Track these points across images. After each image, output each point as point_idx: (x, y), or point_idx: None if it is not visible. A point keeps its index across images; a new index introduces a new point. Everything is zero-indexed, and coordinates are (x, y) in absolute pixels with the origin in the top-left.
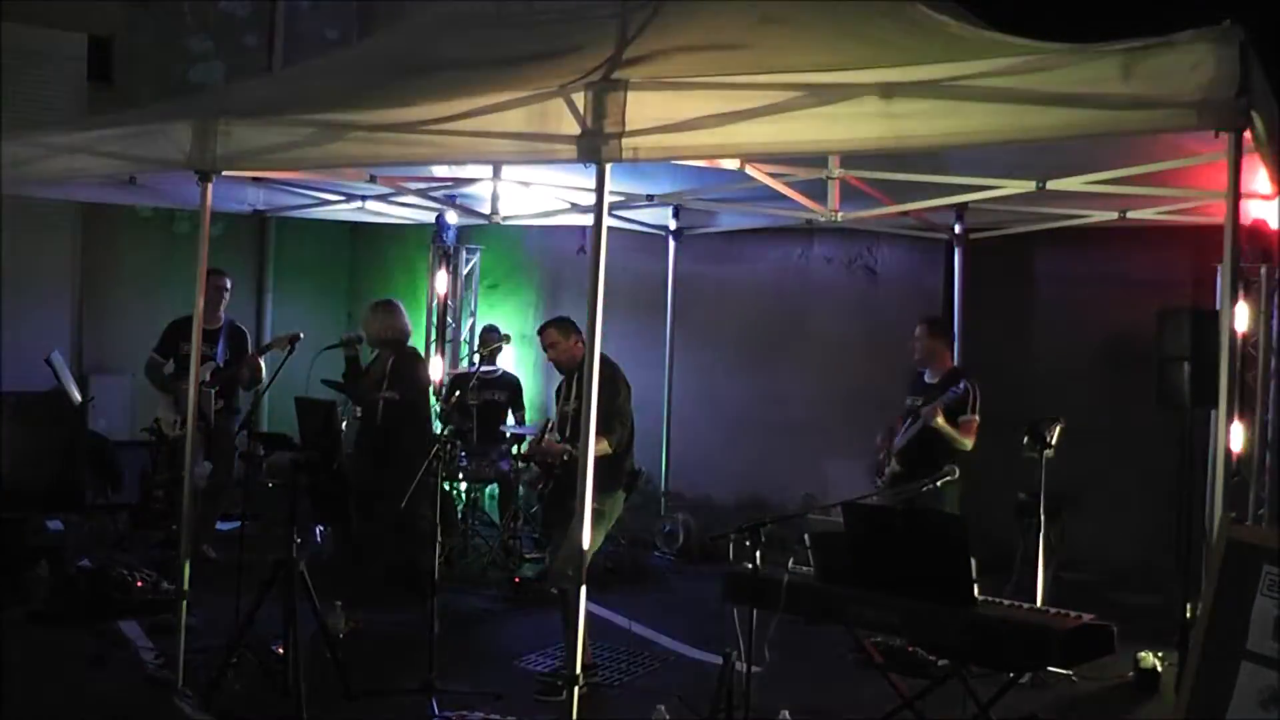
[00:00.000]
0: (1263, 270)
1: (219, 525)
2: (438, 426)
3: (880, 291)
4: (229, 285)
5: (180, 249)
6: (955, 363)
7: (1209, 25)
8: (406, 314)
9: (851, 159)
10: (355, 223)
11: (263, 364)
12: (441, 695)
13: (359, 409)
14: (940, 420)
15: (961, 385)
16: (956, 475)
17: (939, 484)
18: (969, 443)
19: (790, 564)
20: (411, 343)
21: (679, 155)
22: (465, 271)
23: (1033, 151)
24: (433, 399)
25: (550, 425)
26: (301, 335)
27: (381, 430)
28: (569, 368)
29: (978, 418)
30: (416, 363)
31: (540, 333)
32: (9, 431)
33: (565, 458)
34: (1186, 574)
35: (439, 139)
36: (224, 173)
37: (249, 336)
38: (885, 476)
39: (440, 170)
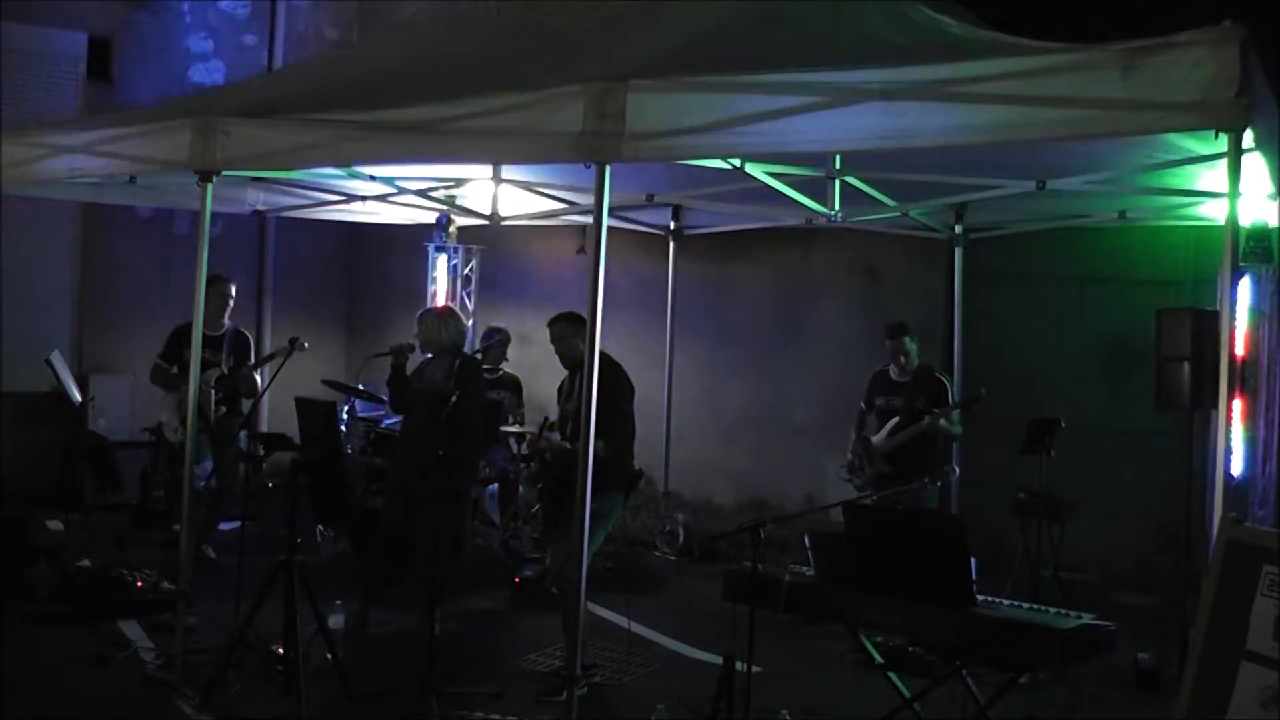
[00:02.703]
0: (1263, 270)
1: (220, 525)
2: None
3: (880, 291)
4: (234, 293)
5: (180, 249)
6: (919, 360)
7: (1209, 25)
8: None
9: (851, 159)
10: (355, 223)
11: (258, 376)
12: (441, 695)
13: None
14: (943, 422)
15: (947, 385)
16: (957, 474)
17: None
18: (959, 433)
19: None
20: None
21: (679, 155)
22: (465, 271)
23: (1033, 151)
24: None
25: (548, 423)
26: (305, 343)
27: (445, 437)
28: (574, 364)
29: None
30: (477, 368)
31: (551, 324)
32: (9, 431)
33: (548, 456)
34: (1186, 574)
35: (439, 139)
36: (224, 173)
37: (252, 342)
38: (867, 475)
39: (440, 170)
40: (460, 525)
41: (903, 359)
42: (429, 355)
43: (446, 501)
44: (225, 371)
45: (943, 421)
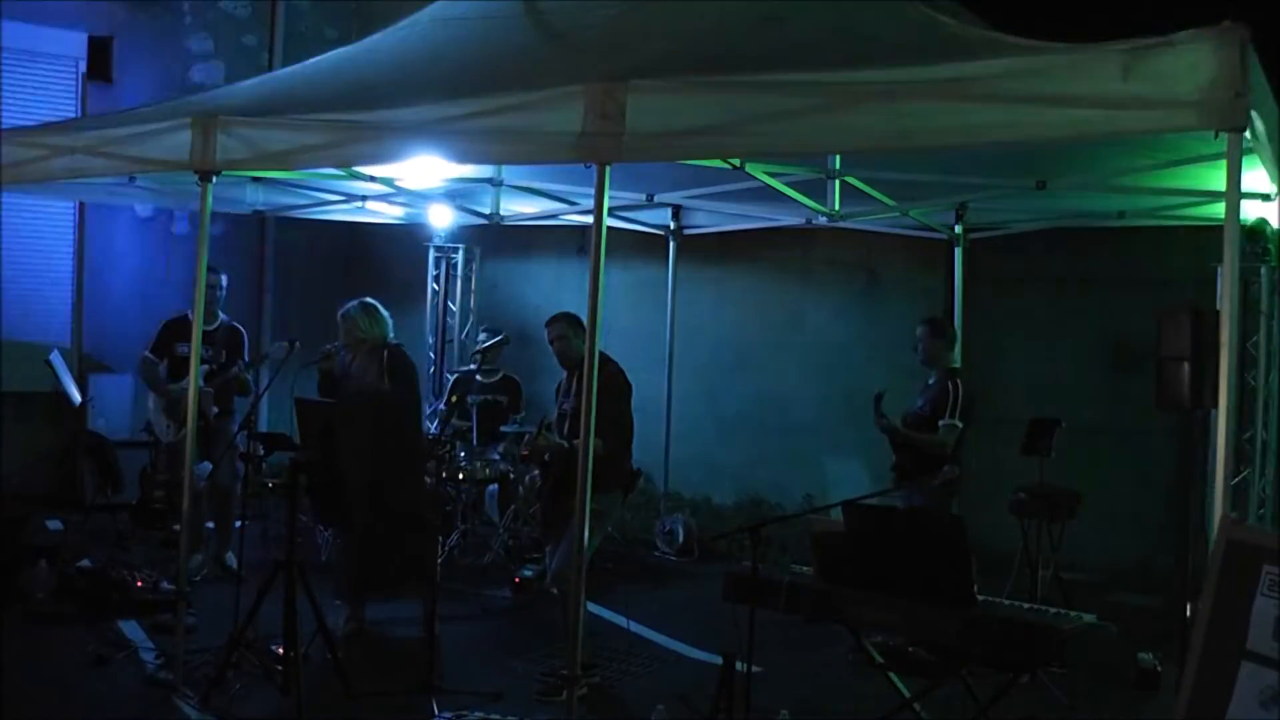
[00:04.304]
0: (1263, 270)
1: (207, 524)
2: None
3: (880, 291)
4: (224, 284)
5: (180, 249)
6: (955, 364)
7: (1209, 25)
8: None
9: (852, 159)
10: (355, 223)
11: (249, 377)
12: (441, 695)
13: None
14: (890, 424)
15: (949, 392)
16: (957, 475)
17: (938, 485)
18: (944, 445)
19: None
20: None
21: (679, 155)
22: (465, 272)
23: (1033, 151)
24: (431, 398)
25: (546, 423)
26: (298, 342)
27: (383, 429)
28: (572, 363)
29: (958, 422)
30: (408, 358)
31: (550, 324)
32: (9, 431)
33: (547, 457)
34: (1186, 574)
35: (439, 139)
36: (224, 173)
37: (246, 337)
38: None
39: (440, 170)
40: (426, 516)
41: (928, 355)
42: (353, 353)
43: (409, 497)
44: (214, 369)
45: (886, 423)
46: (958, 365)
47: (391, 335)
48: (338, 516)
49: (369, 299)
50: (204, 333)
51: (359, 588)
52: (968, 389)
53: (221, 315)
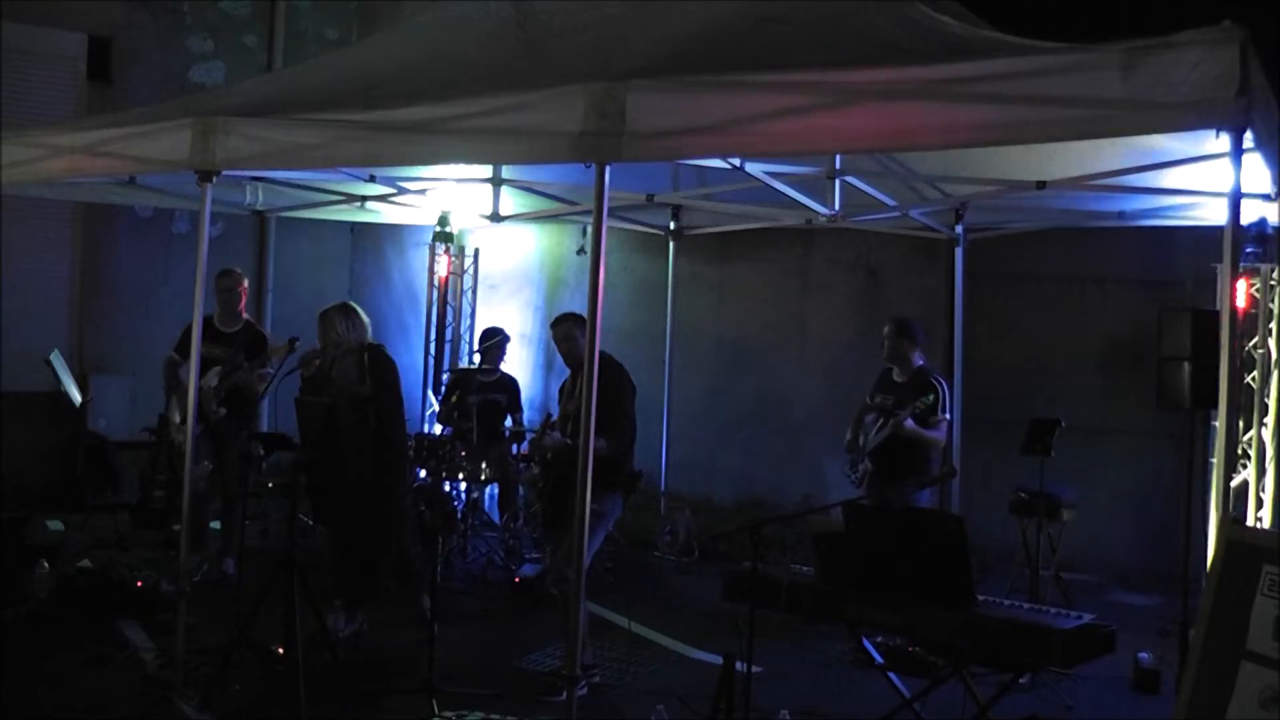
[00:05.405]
0: (1262, 270)
1: (212, 524)
2: (437, 428)
3: (880, 291)
4: (241, 287)
5: (180, 249)
6: (922, 362)
7: (1209, 25)
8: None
9: (852, 159)
10: (355, 223)
11: (258, 381)
12: (441, 695)
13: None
14: (912, 425)
15: (938, 390)
16: (954, 473)
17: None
18: (942, 442)
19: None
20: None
21: (679, 155)
22: (465, 271)
23: (1033, 151)
24: (431, 399)
25: (550, 422)
26: (298, 339)
27: (373, 430)
28: (577, 363)
29: (949, 417)
30: (388, 358)
31: (555, 324)
32: (9, 431)
33: (549, 455)
34: (1186, 574)
35: (439, 139)
36: (224, 173)
37: (268, 340)
38: (860, 473)
39: (440, 170)
40: (423, 517)
41: (893, 353)
42: (332, 354)
43: (392, 497)
44: (230, 370)
45: (910, 424)
46: (924, 364)
47: (364, 335)
48: (338, 517)
49: (348, 301)
50: (225, 334)
51: (359, 595)
52: None
53: (244, 316)
